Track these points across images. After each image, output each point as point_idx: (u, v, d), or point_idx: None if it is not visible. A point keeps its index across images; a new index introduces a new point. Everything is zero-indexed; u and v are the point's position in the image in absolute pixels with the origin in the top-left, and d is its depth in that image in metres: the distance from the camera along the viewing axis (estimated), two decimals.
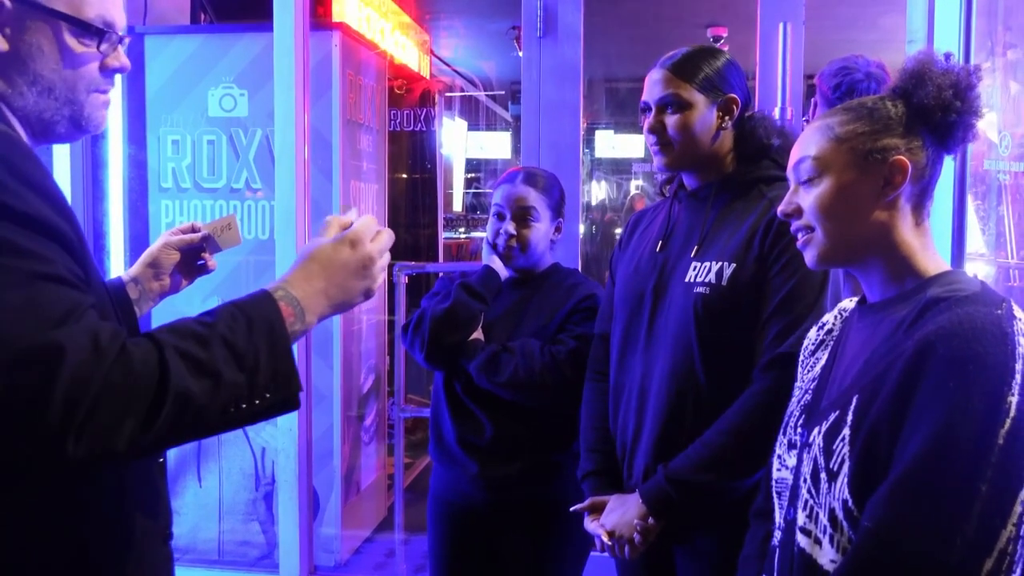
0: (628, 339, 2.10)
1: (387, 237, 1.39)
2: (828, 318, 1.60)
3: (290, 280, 1.29)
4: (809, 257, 1.44)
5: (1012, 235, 4.25)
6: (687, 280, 1.99)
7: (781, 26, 3.39)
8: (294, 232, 3.60)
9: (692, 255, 2.02)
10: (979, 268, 3.91)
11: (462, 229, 9.60)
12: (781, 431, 1.52)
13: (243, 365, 1.17)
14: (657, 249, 2.12)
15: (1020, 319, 1.24)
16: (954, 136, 1.39)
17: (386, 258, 1.38)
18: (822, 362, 1.52)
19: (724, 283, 1.93)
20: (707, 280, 1.95)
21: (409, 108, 5.13)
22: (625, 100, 9.21)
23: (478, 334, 2.45)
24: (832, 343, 1.53)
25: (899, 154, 1.37)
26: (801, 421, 1.46)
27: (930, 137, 1.39)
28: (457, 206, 9.27)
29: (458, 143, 8.71)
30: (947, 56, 1.40)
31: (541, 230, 2.48)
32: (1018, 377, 1.17)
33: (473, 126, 9.61)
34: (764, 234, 1.93)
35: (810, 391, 1.49)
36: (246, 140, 3.81)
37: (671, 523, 1.95)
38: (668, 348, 2.00)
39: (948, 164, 3.15)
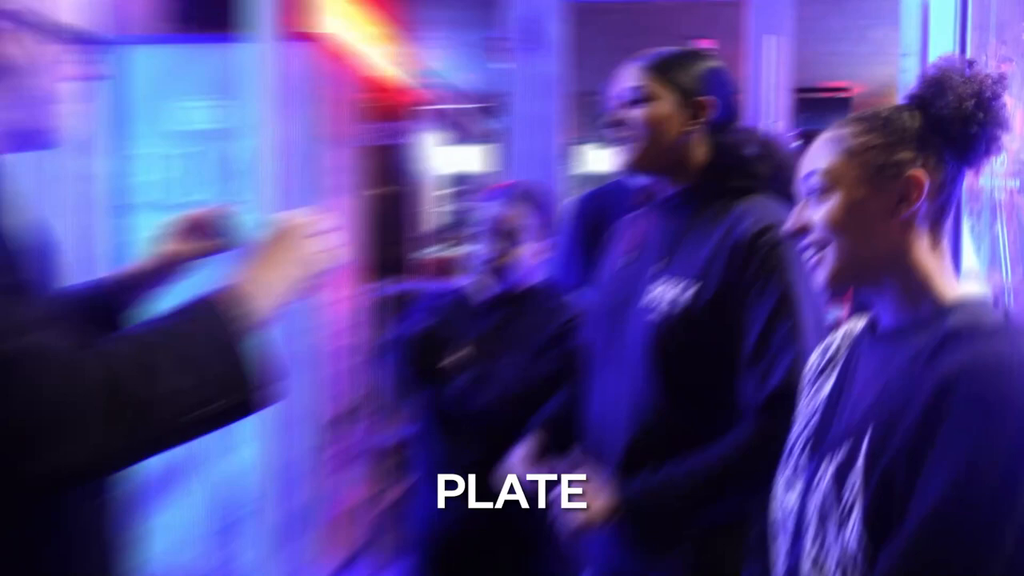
0: (593, 366, 2.06)
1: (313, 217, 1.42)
2: (832, 340, 1.53)
3: (231, 281, 1.31)
4: (820, 277, 1.39)
5: (1006, 255, 4.31)
6: (642, 305, 1.94)
7: (768, 40, 3.43)
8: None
9: (650, 274, 1.97)
10: (973, 287, 3.95)
11: (443, 246, 9.60)
12: (783, 462, 1.47)
13: (190, 368, 1.17)
14: (623, 265, 2.08)
15: None
16: (976, 150, 1.33)
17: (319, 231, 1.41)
18: (827, 389, 1.46)
19: (679, 310, 1.86)
20: (661, 306, 1.89)
21: (387, 121, 5.15)
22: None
23: (461, 354, 2.47)
24: (839, 368, 1.46)
25: (915, 169, 1.32)
26: (807, 452, 1.41)
27: (950, 151, 1.34)
28: (437, 222, 9.29)
29: (437, 157, 8.75)
30: (970, 63, 1.35)
31: (530, 249, 2.50)
32: None
33: (453, 139, 9.65)
34: (731, 253, 1.84)
35: (815, 419, 1.44)
36: (216, 155, 3.82)
37: (625, 533, 1.89)
38: (627, 381, 1.94)
39: None
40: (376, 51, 5.42)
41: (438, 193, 9.54)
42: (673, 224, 2.00)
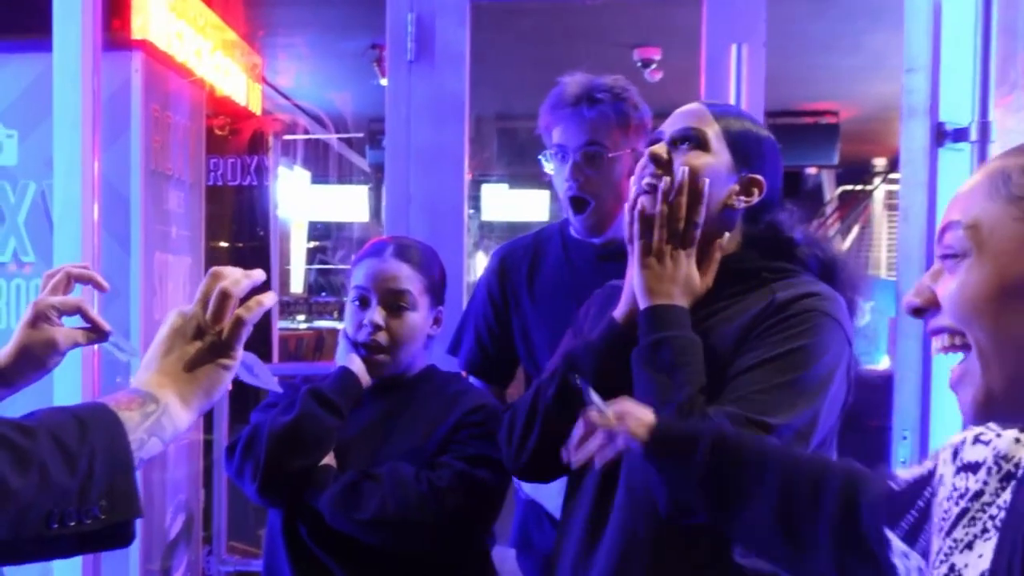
0: None
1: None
2: (976, 459, 1.27)
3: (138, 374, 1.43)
4: (964, 400, 1.20)
5: None
6: None
7: (734, 48, 3.54)
8: (78, 321, 3.56)
9: None
10: None
11: (302, 317, 9.54)
12: None
13: (74, 468, 1.26)
14: None
15: None
16: None
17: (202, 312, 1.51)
18: (982, 561, 1.20)
19: None
20: None
21: (235, 155, 5.15)
22: (525, 144, 9.36)
23: (330, 458, 2.47)
24: (999, 529, 1.20)
25: None
26: None
27: None
28: (296, 286, 9.24)
29: (299, 201, 8.72)
30: None
31: (417, 321, 2.54)
32: None
33: (319, 178, 9.62)
34: (761, 313, 2.05)
35: None
36: (14, 198, 3.81)
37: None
38: None
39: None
40: (224, 65, 5.45)
41: (302, 247, 9.52)
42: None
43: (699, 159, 2.12)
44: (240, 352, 1.54)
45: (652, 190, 2.10)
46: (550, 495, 2.81)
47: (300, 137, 8.42)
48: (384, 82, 6.98)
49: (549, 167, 2.86)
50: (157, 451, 1.41)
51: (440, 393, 2.58)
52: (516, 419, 2.21)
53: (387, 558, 2.43)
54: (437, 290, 2.60)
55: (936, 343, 1.22)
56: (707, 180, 2.10)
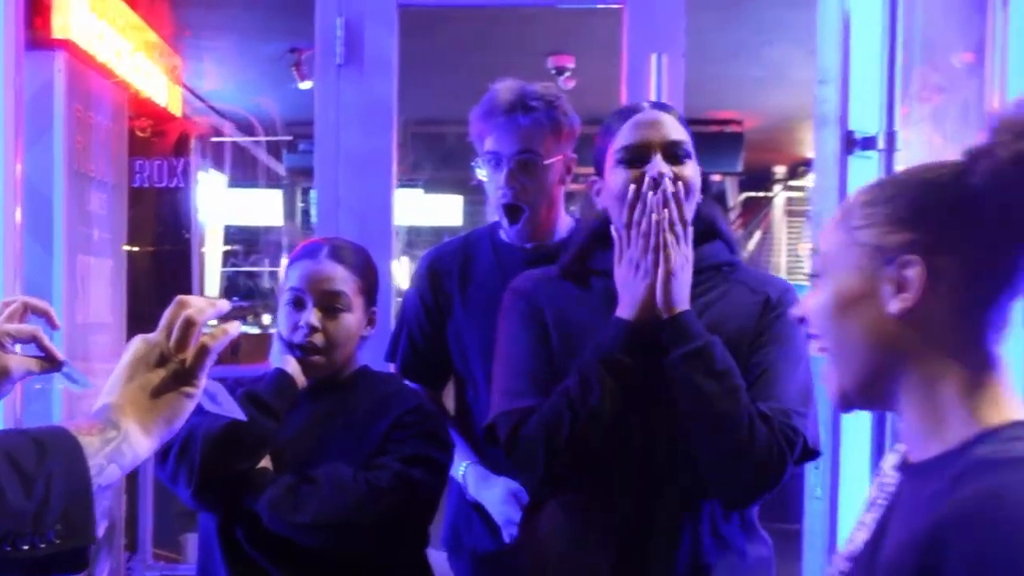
0: None
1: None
2: (885, 466, 1.49)
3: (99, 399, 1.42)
4: (829, 395, 1.43)
5: None
6: None
7: (654, 57, 3.56)
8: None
9: None
10: None
11: (214, 322, 9.45)
12: None
13: (30, 491, 1.24)
14: None
15: None
16: None
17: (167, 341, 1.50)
18: (863, 533, 1.43)
19: None
20: None
21: (161, 157, 5.08)
22: (443, 149, 9.34)
23: (266, 461, 2.43)
24: (884, 508, 1.42)
25: (915, 252, 1.30)
26: None
27: (984, 233, 1.29)
28: (212, 290, 9.16)
29: (216, 205, 8.65)
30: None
31: (352, 322, 2.51)
32: None
33: (237, 181, 9.55)
34: (764, 308, 2.30)
35: (842, 573, 1.44)
36: None
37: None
38: None
39: None
40: (144, 66, 5.37)
41: (218, 251, 9.44)
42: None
43: (694, 170, 2.28)
44: (203, 381, 1.52)
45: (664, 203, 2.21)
46: (493, 500, 2.81)
47: (224, 140, 8.34)
48: (304, 86, 6.99)
49: (482, 174, 2.85)
50: (116, 478, 1.39)
51: (375, 393, 2.56)
52: (559, 430, 2.20)
53: (325, 560, 2.41)
54: (371, 291, 2.58)
55: (812, 346, 1.45)
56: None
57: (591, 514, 2.31)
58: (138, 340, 1.50)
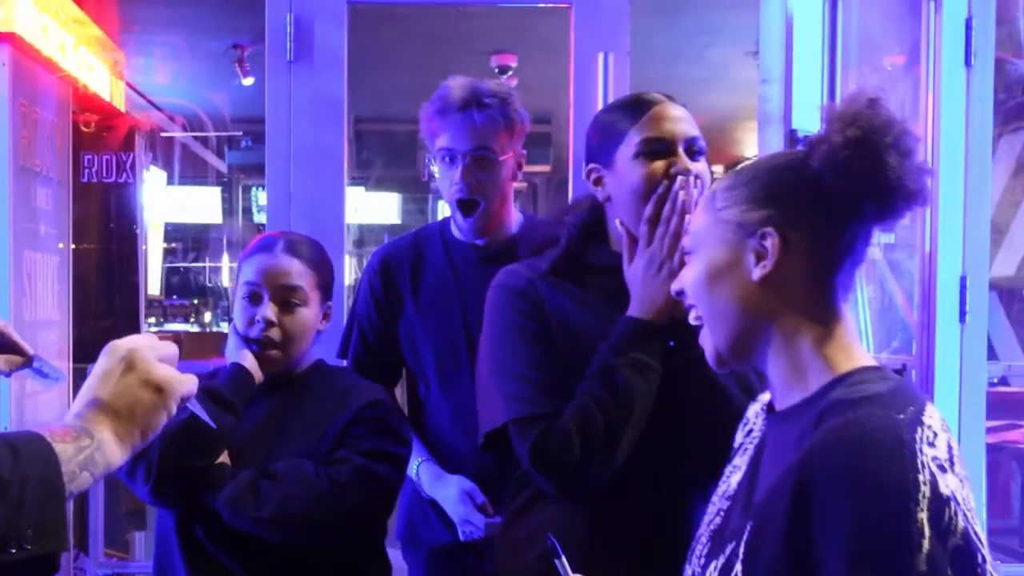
0: None
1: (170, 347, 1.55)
2: (751, 412, 1.74)
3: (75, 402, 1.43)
4: (707, 356, 1.60)
5: (869, 327, 4.59)
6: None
7: (601, 56, 3.58)
8: None
9: None
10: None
11: (152, 320, 9.37)
12: (687, 561, 1.63)
13: (5, 495, 1.23)
14: None
15: (929, 426, 1.35)
16: (862, 212, 1.49)
17: (169, 371, 1.51)
18: (739, 475, 1.64)
19: None
20: None
21: (108, 152, 5.04)
22: (385, 146, 9.33)
23: (224, 457, 2.42)
24: (753, 451, 1.64)
25: (771, 225, 1.50)
26: (706, 551, 1.57)
27: (826, 208, 1.50)
28: (154, 287, 9.07)
29: (156, 202, 8.57)
30: (871, 101, 1.49)
31: (309, 316, 2.50)
32: (924, 489, 1.27)
33: (182, 178, 9.47)
34: None
35: (721, 512, 1.60)
36: None
37: None
38: None
39: None
40: (88, 60, 5.32)
41: (159, 248, 9.36)
42: None
43: (706, 168, 2.24)
44: (167, 381, 1.51)
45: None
46: (448, 499, 2.82)
47: (169, 136, 8.27)
48: (247, 82, 6.95)
49: (435, 169, 2.85)
50: (87, 485, 1.39)
51: (332, 388, 2.56)
52: (593, 437, 2.12)
53: (286, 555, 2.40)
54: (327, 286, 2.58)
55: (691, 315, 1.62)
56: None
57: (607, 517, 2.22)
58: (113, 345, 1.49)
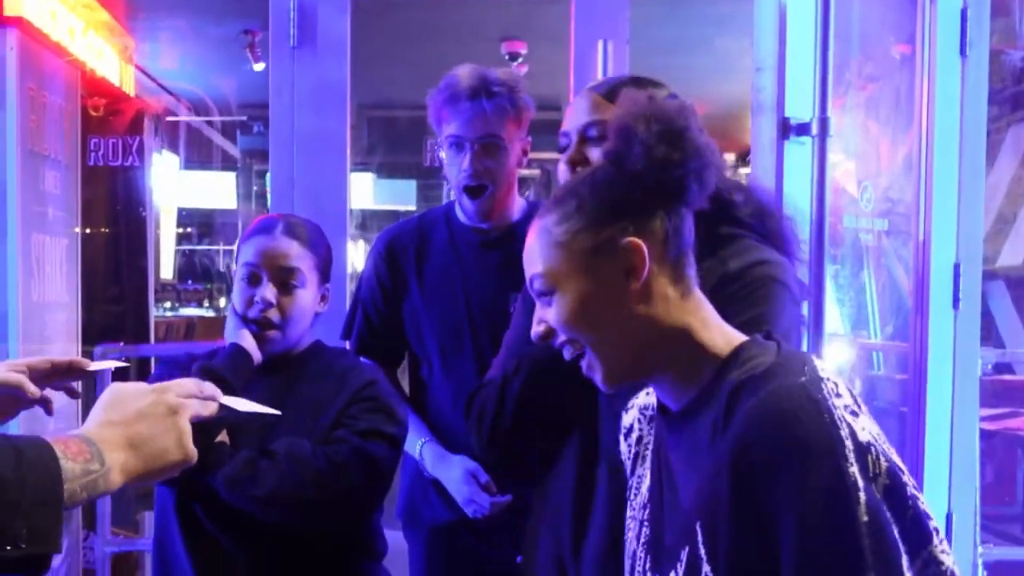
0: None
1: (191, 384, 1.60)
2: (630, 422, 1.76)
3: (86, 424, 1.45)
4: (598, 382, 1.57)
5: (875, 309, 4.62)
6: None
7: (600, 44, 3.61)
8: None
9: None
10: (838, 352, 4.21)
11: (168, 304, 9.36)
12: (627, 573, 1.67)
13: (3, 496, 1.27)
14: None
15: (828, 379, 1.42)
16: (687, 191, 1.54)
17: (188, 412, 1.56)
18: (647, 482, 1.67)
19: None
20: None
21: (114, 136, 5.06)
22: (397, 134, 9.32)
23: (223, 436, 2.42)
24: (651, 456, 1.68)
25: (628, 237, 1.51)
26: (649, 565, 1.60)
27: (659, 202, 1.54)
28: (166, 272, 9.08)
29: (169, 186, 8.57)
30: (651, 96, 1.57)
31: (307, 298, 2.52)
32: (848, 443, 1.33)
33: (192, 163, 9.45)
34: (719, 283, 2.03)
35: (647, 523, 1.64)
36: None
37: None
38: None
39: (801, 222, 3.44)
40: (97, 45, 5.35)
41: (172, 232, 9.37)
42: None
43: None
44: (193, 451, 1.55)
45: None
46: (452, 479, 2.87)
47: (179, 119, 8.26)
48: (258, 68, 6.97)
49: (442, 155, 2.89)
50: (83, 504, 1.42)
51: (330, 369, 2.58)
52: (485, 409, 2.21)
53: (283, 534, 2.41)
54: (325, 268, 2.59)
55: (566, 354, 1.59)
56: None
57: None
58: (146, 388, 1.55)
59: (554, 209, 1.57)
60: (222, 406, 1.67)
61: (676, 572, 1.49)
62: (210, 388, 1.64)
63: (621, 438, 1.77)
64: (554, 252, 1.55)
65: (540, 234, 1.57)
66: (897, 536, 1.33)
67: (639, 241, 1.50)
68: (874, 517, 1.31)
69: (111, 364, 2.20)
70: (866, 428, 1.38)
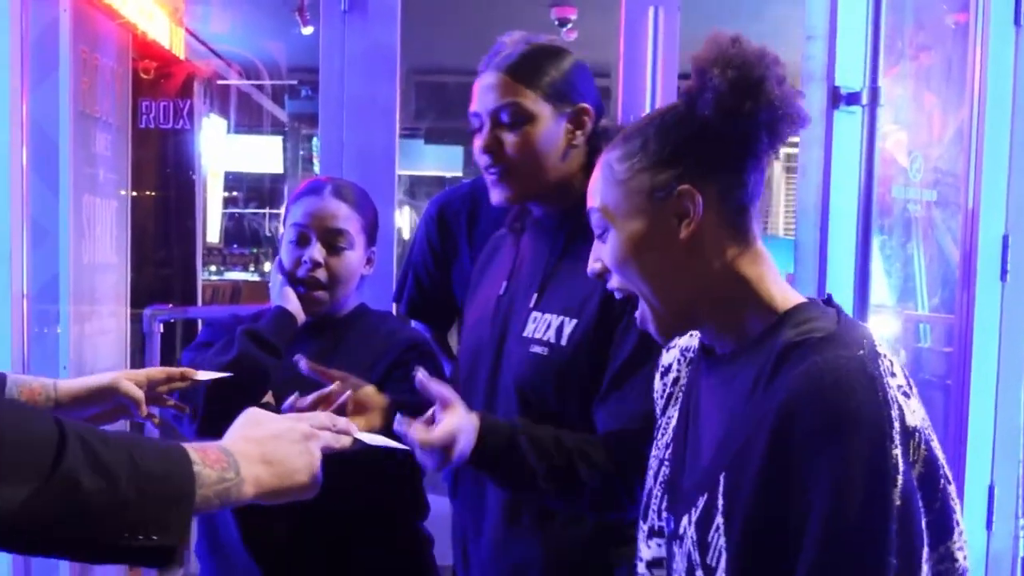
0: (466, 401, 2.14)
1: (325, 417, 1.68)
2: (670, 361, 1.75)
3: (224, 438, 1.52)
4: (652, 333, 1.58)
5: (923, 280, 4.58)
6: (524, 335, 2.14)
7: (651, 11, 3.60)
8: (8, 264, 3.52)
9: (531, 304, 2.16)
10: (884, 324, 4.19)
11: (214, 268, 9.41)
12: (641, 515, 1.67)
13: (143, 487, 1.31)
14: (500, 292, 2.26)
15: (885, 355, 1.41)
16: (758, 145, 1.52)
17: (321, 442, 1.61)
18: (674, 422, 1.67)
19: (564, 343, 2.07)
20: (546, 338, 2.09)
21: (165, 98, 5.09)
22: (446, 99, 9.31)
23: (268, 397, 2.43)
24: (682, 397, 1.67)
25: (683, 183, 1.49)
26: (665, 505, 1.61)
27: (727, 151, 1.52)
28: (213, 235, 9.12)
29: (216, 150, 8.59)
30: (735, 41, 1.51)
31: (354, 260, 2.53)
32: (896, 424, 1.33)
33: (240, 127, 9.48)
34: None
35: (667, 462, 1.64)
36: None
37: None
38: (498, 413, 2.13)
39: (849, 191, 3.43)
40: (148, 7, 5.38)
41: (219, 196, 9.42)
42: (546, 247, 2.21)
43: (527, 135, 2.14)
44: (319, 479, 1.60)
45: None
46: None
47: (228, 83, 8.28)
48: (306, 31, 6.98)
49: None
50: (214, 510, 1.46)
51: (375, 331, 2.58)
52: None
53: (323, 497, 2.37)
54: (372, 231, 2.60)
55: (616, 294, 1.59)
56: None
57: None
58: (282, 416, 1.66)
59: (620, 145, 1.57)
60: (355, 440, 1.71)
61: (690, 516, 1.50)
62: (343, 422, 1.69)
63: (657, 376, 1.76)
64: (612, 189, 1.55)
65: (603, 168, 1.58)
66: (924, 526, 1.33)
67: (693, 189, 1.49)
68: (906, 502, 1.31)
69: (214, 375, 2.31)
70: (916, 412, 1.38)
